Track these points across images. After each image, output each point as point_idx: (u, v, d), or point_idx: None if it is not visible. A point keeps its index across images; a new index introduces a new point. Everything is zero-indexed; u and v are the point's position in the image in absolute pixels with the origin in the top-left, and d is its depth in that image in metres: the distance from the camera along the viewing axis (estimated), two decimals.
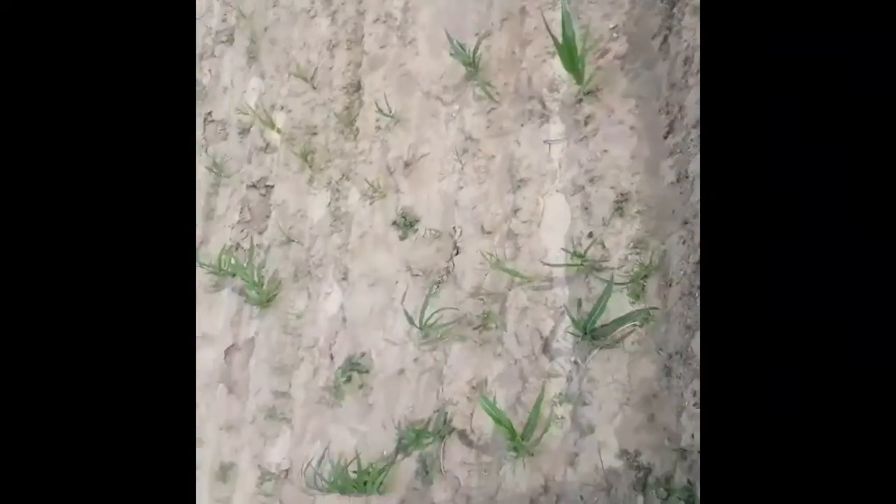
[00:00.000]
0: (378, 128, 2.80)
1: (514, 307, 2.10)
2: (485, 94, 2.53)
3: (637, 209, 2.02)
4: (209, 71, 3.50)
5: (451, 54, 2.61)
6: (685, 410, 1.65)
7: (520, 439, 1.85)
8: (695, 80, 1.93)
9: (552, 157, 2.29)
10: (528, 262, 2.15)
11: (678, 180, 1.96)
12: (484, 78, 2.56)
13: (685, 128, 1.95)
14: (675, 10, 2.07)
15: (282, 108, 3.11)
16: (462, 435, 2.01)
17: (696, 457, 1.60)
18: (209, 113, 3.37)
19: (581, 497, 1.74)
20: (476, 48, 2.56)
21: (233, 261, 2.66)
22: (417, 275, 2.34)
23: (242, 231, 2.82)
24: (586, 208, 2.13)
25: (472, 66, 2.56)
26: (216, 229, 2.87)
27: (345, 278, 2.47)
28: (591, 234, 2.07)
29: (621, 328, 1.84)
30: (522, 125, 2.40)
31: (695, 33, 1.95)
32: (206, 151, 3.22)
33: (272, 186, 2.90)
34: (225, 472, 2.31)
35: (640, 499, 1.64)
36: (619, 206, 2.05)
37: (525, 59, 2.50)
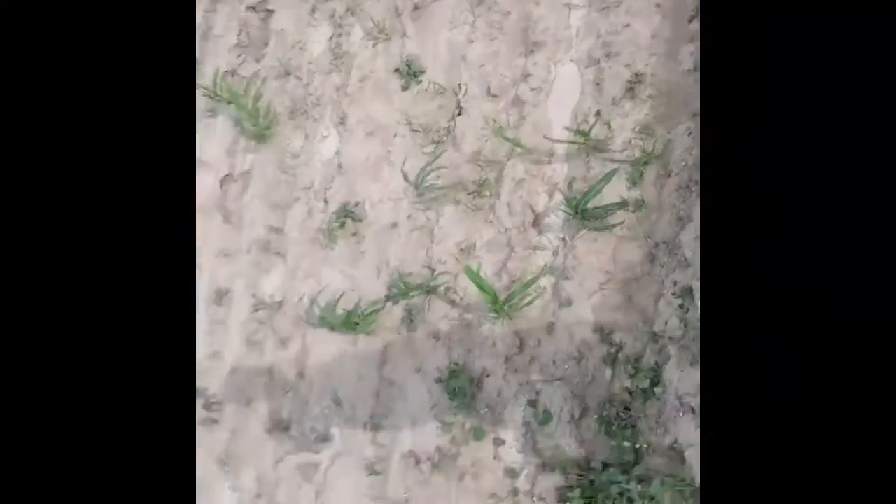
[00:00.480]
0: None
1: (510, 177, 2.13)
2: None
3: (649, 93, 2.00)
4: None
5: None
6: (663, 297, 1.78)
7: (501, 304, 1.99)
8: None
9: (571, 23, 2.19)
10: (531, 133, 2.15)
11: (695, 68, 1.92)
12: None
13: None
14: None
15: None
16: (447, 291, 2.14)
17: (667, 342, 1.75)
18: None
19: (553, 362, 1.92)
20: None
21: (230, 86, 2.59)
22: (417, 130, 2.32)
23: (239, 56, 2.70)
24: (598, 84, 2.09)
25: None
26: (212, 50, 2.74)
27: (342, 123, 2.44)
28: (598, 113, 2.06)
29: (612, 212, 1.91)
30: None
31: None
32: None
33: (272, 11, 2.74)
34: (220, 297, 2.44)
35: (609, 371, 1.83)
36: (632, 88, 2.02)
37: None
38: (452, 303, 2.12)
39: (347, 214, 2.31)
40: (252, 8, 2.76)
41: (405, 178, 2.26)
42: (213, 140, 2.61)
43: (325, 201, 2.37)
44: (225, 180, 2.56)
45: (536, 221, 2.05)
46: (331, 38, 2.62)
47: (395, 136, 2.36)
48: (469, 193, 2.18)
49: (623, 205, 1.90)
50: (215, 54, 2.72)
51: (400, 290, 2.15)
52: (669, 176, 1.88)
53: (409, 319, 2.15)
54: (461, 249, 2.15)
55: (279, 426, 2.28)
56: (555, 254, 2.02)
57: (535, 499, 1.91)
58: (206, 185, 2.54)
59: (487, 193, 2.15)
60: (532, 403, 1.94)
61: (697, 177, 1.79)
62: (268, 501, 2.25)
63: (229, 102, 2.56)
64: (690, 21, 1.97)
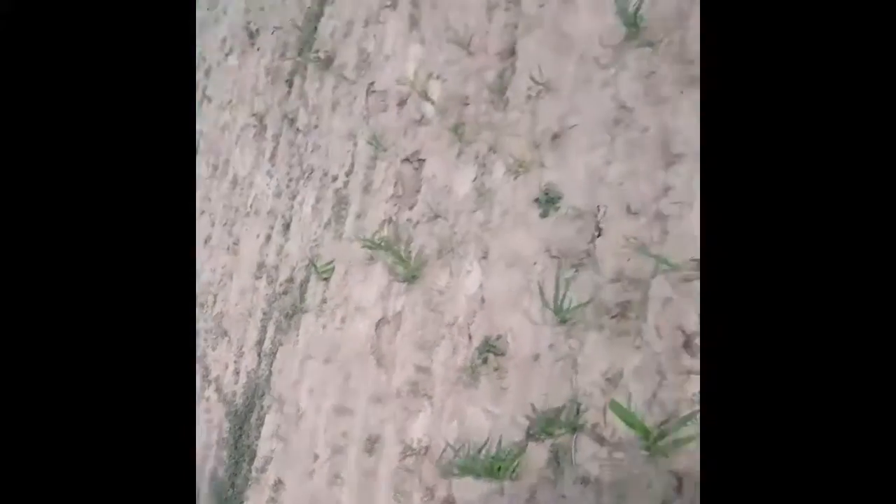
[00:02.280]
0: (529, 97, 2.68)
1: (656, 297, 1.92)
2: (645, 57, 2.30)
3: None
4: (374, 37, 3.59)
5: (615, 12, 2.39)
6: None
7: (654, 440, 1.72)
8: None
9: None
10: (677, 249, 1.94)
11: None
12: (645, 38, 2.31)
13: None
14: None
15: (437, 76, 3.11)
16: (594, 428, 1.91)
17: None
18: (372, 83, 3.49)
19: None
20: (640, 4, 2.31)
21: (386, 235, 2.77)
22: (556, 256, 2.23)
23: (395, 206, 2.91)
24: None
25: (634, 25, 2.33)
26: (372, 203, 3.00)
27: (485, 257, 2.45)
28: None
29: None
30: (682, 93, 2.14)
31: None
32: (367, 123, 3.35)
33: (424, 160, 2.95)
34: (372, 444, 2.46)
35: None
36: None
37: (693, 16, 2.21)
38: (601, 440, 1.88)
39: (489, 349, 2.24)
40: (407, 160, 3.01)
41: (545, 305, 2.15)
42: (370, 286, 2.77)
43: (469, 336, 2.34)
44: (379, 324, 2.67)
45: (687, 343, 1.79)
46: (475, 178, 2.72)
47: (535, 263, 2.29)
48: (612, 317, 2.00)
49: None
50: (375, 207, 2.97)
51: (543, 427, 1.98)
52: None
53: (556, 461, 1.95)
54: (607, 379, 1.93)
55: None
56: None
57: None
58: (362, 330, 2.67)
59: (633, 315, 1.95)
60: None
61: None
62: None
63: (385, 249, 2.73)
64: None
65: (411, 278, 2.61)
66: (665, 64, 2.25)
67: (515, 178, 2.53)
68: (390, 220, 2.88)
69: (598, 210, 2.21)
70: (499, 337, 2.24)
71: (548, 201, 2.38)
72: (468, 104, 2.92)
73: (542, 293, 2.19)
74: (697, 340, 1.76)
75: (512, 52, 2.84)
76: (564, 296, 2.10)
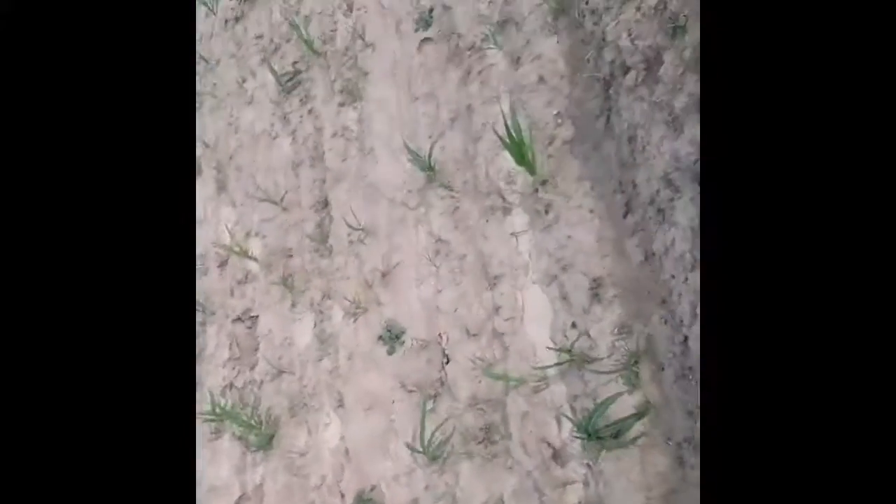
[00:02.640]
0: (351, 241, 2.81)
1: (514, 413, 2.05)
2: (446, 195, 2.56)
3: (613, 293, 2.00)
4: None
5: (409, 160, 2.64)
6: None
7: None
8: (642, 159, 1.94)
9: (521, 249, 2.29)
10: (519, 362, 2.12)
11: (646, 259, 1.95)
12: (442, 179, 2.59)
13: (642, 205, 1.96)
14: (611, 91, 2.10)
15: (256, 234, 3.13)
16: None
17: None
18: None
19: None
20: (431, 151, 2.59)
21: (229, 403, 2.63)
22: (412, 390, 2.30)
23: (234, 369, 2.80)
24: (564, 298, 2.11)
25: (430, 169, 2.60)
26: (208, 370, 2.85)
27: (341, 405, 2.43)
28: (574, 324, 2.05)
29: (625, 426, 1.80)
30: (487, 221, 2.41)
31: (633, 112, 1.98)
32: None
33: (256, 317, 2.90)
34: None
35: None
36: (596, 293, 2.03)
37: (478, 154, 2.53)
38: None
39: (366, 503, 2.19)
40: (238, 319, 2.93)
41: (413, 448, 2.18)
42: (221, 462, 2.58)
43: (342, 495, 2.27)
44: (240, 502, 2.48)
45: (556, 454, 1.93)
46: (314, 326, 2.73)
47: (393, 402, 2.33)
48: (479, 442, 2.08)
49: (632, 417, 1.80)
50: (212, 373, 2.82)
51: None
52: (663, 370, 1.81)
53: None
54: None
55: None
56: (585, 484, 1.86)
57: None
58: None
59: (497, 436, 2.06)
60: None
61: (690, 364, 1.71)
62: None
63: (231, 419, 2.59)
64: (625, 216, 2.06)
65: (266, 444, 2.48)
66: (466, 199, 2.53)
67: (355, 319, 2.60)
68: (231, 386, 2.74)
69: (441, 337, 2.34)
70: (373, 488, 2.21)
71: (392, 337, 2.46)
72: (292, 256, 2.97)
73: (406, 432, 2.23)
74: (565, 450, 1.90)
75: (325, 203, 2.98)
76: (428, 431, 2.15)
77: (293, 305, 2.82)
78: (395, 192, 2.74)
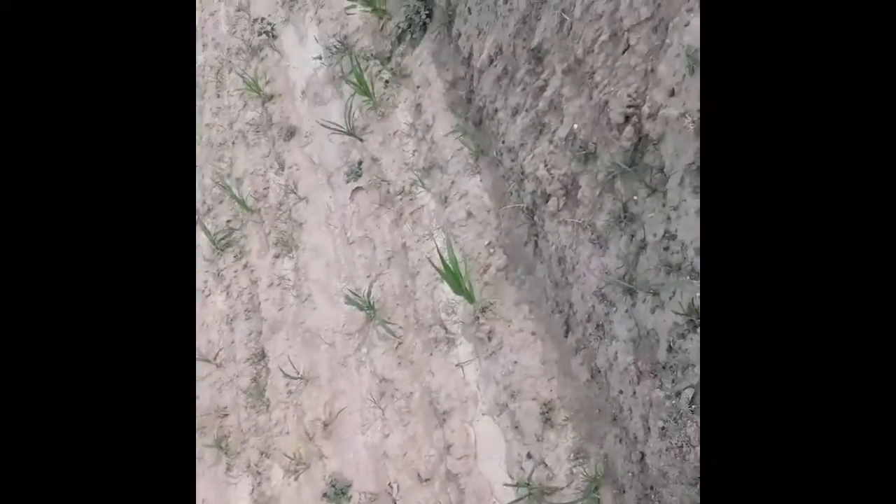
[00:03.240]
0: (290, 392, 2.68)
1: None
2: (388, 333, 2.52)
3: (564, 416, 1.95)
4: None
5: (348, 302, 2.62)
6: None
7: None
8: (574, 277, 1.99)
9: (468, 379, 2.23)
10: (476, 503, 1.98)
11: (592, 376, 1.92)
12: (383, 317, 2.56)
13: (581, 323, 1.97)
14: (536, 217, 2.19)
15: None
16: None
17: None
18: None
19: None
20: (369, 290, 2.59)
21: None
22: None
23: None
24: (516, 427, 2.03)
25: (370, 308, 2.57)
26: None
27: None
28: (529, 455, 1.96)
29: None
30: (431, 354, 2.37)
31: (559, 235, 2.06)
32: None
33: None
34: None
35: None
36: (547, 417, 1.97)
37: (417, 289, 2.54)
38: None
39: None
40: None
41: None
42: None
43: None
44: None
45: None
46: (252, 490, 2.50)
47: None
48: None
49: None
50: None
51: None
52: (624, 492, 1.72)
53: None
54: None
55: None
56: None
57: None
58: None
59: None
60: None
61: (650, 482, 1.63)
62: None
63: None
64: (566, 336, 2.06)
65: None
66: (408, 334, 2.49)
67: (296, 477, 2.40)
68: None
69: (391, 487, 2.18)
70: None
71: (337, 493, 2.28)
72: (227, 415, 2.79)
73: None
74: None
75: (262, 354, 2.87)
76: None
77: (228, 469, 2.60)
78: (335, 335, 2.68)
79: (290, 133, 3.29)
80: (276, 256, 3.09)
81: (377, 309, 2.59)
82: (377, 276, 2.68)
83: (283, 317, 2.94)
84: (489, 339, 2.23)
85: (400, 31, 3.01)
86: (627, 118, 1.69)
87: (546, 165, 2.03)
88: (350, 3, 3.12)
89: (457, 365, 2.29)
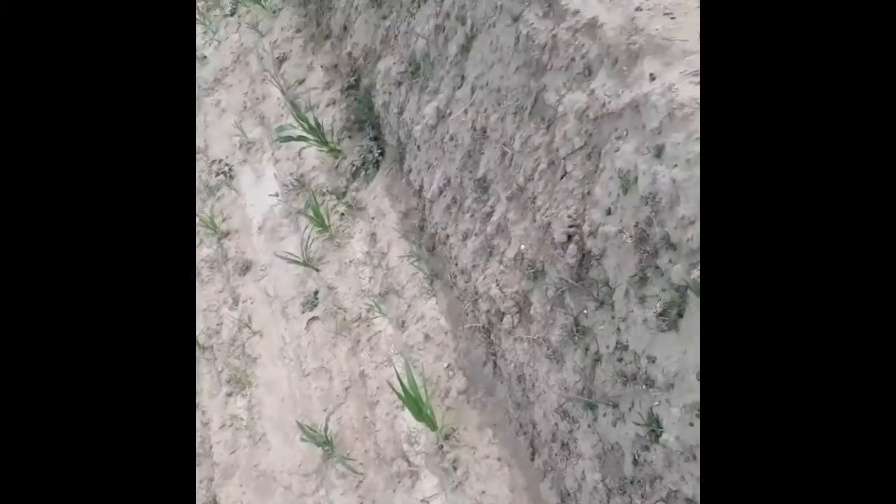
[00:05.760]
0: None
1: None
2: (347, 470, 2.40)
3: None
4: None
5: (304, 439, 2.50)
6: None
7: None
8: (534, 396, 1.97)
9: None
10: None
11: (562, 500, 1.85)
12: (342, 452, 2.45)
13: (546, 443, 1.93)
14: (492, 336, 2.21)
15: None
16: None
17: None
18: None
19: None
20: (326, 425, 2.49)
21: None
22: None
23: None
24: None
25: (328, 444, 2.46)
26: None
27: None
28: None
29: None
30: (394, 491, 2.25)
31: (516, 353, 2.06)
32: None
33: None
34: None
35: None
36: None
37: (377, 419, 2.46)
38: None
39: None
40: None
41: None
42: None
43: None
44: None
45: None
46: None
47: None
48: None
49: None
50: None
51: None
52: None
53: None
54: None
55: None
56: None
57: None
58: None
59: None
60: None
61: None
62: None
63: None
64: (533, 458, 2.00)
65: None
66: (369, 470, 2.38)
67: None
68: None
69: None
70: None
71: None
72: None
73: None
74: None
75: (214, 502, 2.68)
76: None
77: None
78: (291, 476, 2.54)
79: (246, 267, 3.30)
80: (229, 395, 2.98)
81: (335, 444, 2.48)
82: (335, 408, 2.60)
83: (236, 460, 2.78)
84: (454, 468, 2.14)
85: (354, 168, 3.16)
86: (570, 237, 1.77)
87: (498, 285, 2.08)
88: (306, 144, 3.28)
89: (422, 501, 2.17)
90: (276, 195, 3.39)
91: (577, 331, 1.76)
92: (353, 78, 3.32)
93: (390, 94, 2.90)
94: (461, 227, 2.36)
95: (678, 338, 1.43)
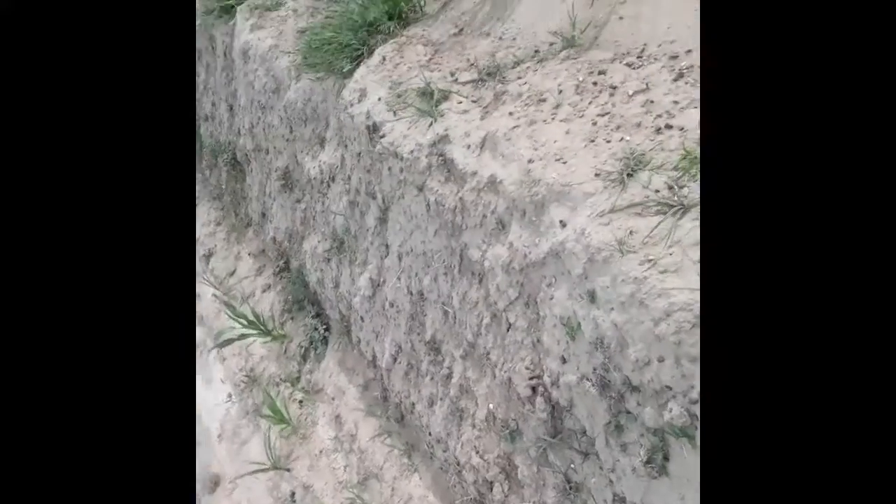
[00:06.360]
0: None
1: None
2: None
3: None
4: None
5: None
6: None
7: None
8: None
9: None
10: None
11: None
12: None
13: None
14: None
15: None
16: None
17: None
18: None
19: None
20: None
21: None
22: None
23: None
24: None
25: None
26: None
27: None
28: None
29: None
30: None
31: None
32: None
33: None
34: None
35: None
36: None
37: None
38: None
39: None
40: None
41: None
42: None
43: None
44: None
45: None
46: None
47: None
48: None
49: None
50: None
51: None
52: None
53: None
54: None
55: None
56: None
57: None
58: None
59: None
60: None
61: None
62: None
63: None
64: None
65: None
66: None
67: None
68: None
69: None
70: None
71: None
72: None
73: None
74: None
75: None
76: None
77: None
78: None
79: (215, 483, 3.07)
80: None
81: None
82: None
83: None
84: None
85: (303, 349, 3.07)
86: (534, 389, 1.71)
87: (477, 452, 1.97)
88: (250, 339, 3.19)
89: None
90: (230, 397, 3.23)
91: (571, 488, 1.65)
92: (283, 261, 3.31)
93: (322, 270, 2.88)
94: (424, 393, 2.26)
95: (672, 484, 1.35)
